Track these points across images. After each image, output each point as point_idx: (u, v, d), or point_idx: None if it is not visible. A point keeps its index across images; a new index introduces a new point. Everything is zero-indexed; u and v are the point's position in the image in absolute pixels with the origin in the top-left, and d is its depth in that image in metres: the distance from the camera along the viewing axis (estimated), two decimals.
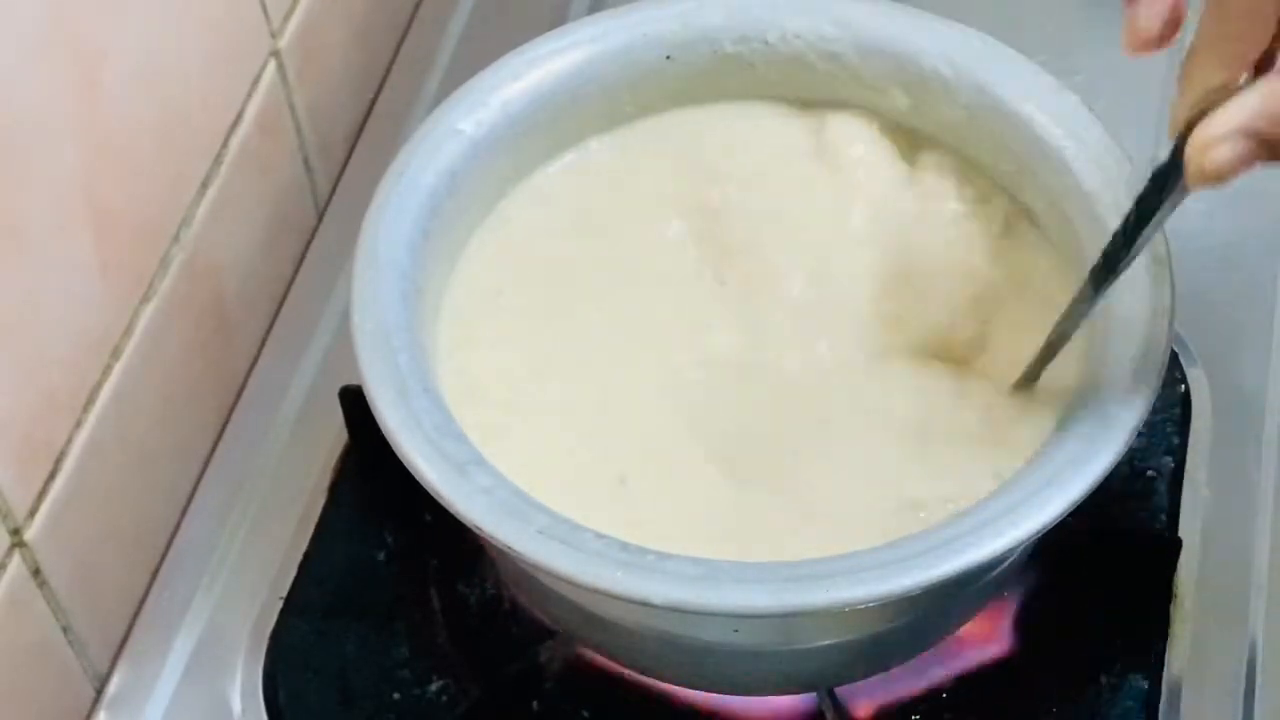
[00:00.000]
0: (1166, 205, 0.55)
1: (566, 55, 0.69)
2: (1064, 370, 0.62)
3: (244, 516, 0.74)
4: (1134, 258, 0.57)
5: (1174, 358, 0.74)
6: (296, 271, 0.82)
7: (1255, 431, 0.73)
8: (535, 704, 0.68)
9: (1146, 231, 0.56)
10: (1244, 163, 0.50)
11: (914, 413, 0.63)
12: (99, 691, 0.70)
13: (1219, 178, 0.50)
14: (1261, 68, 0.51)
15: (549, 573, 0.56)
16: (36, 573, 0.65)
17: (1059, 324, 0.61)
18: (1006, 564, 0.63)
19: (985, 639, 0.68)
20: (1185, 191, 0.53)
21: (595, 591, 0.55)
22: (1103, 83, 0.71)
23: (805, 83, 0.70)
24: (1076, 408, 0.59)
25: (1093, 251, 0.63)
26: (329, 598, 0.72)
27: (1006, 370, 0.63)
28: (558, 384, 0.65)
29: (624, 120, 0.71)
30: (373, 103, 0.88)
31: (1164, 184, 0.54)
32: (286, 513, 0.74)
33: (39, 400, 0.63)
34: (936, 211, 0.68)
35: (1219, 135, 0.50)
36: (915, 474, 0.61)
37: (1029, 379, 0.62)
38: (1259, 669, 0.67)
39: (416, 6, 0.91)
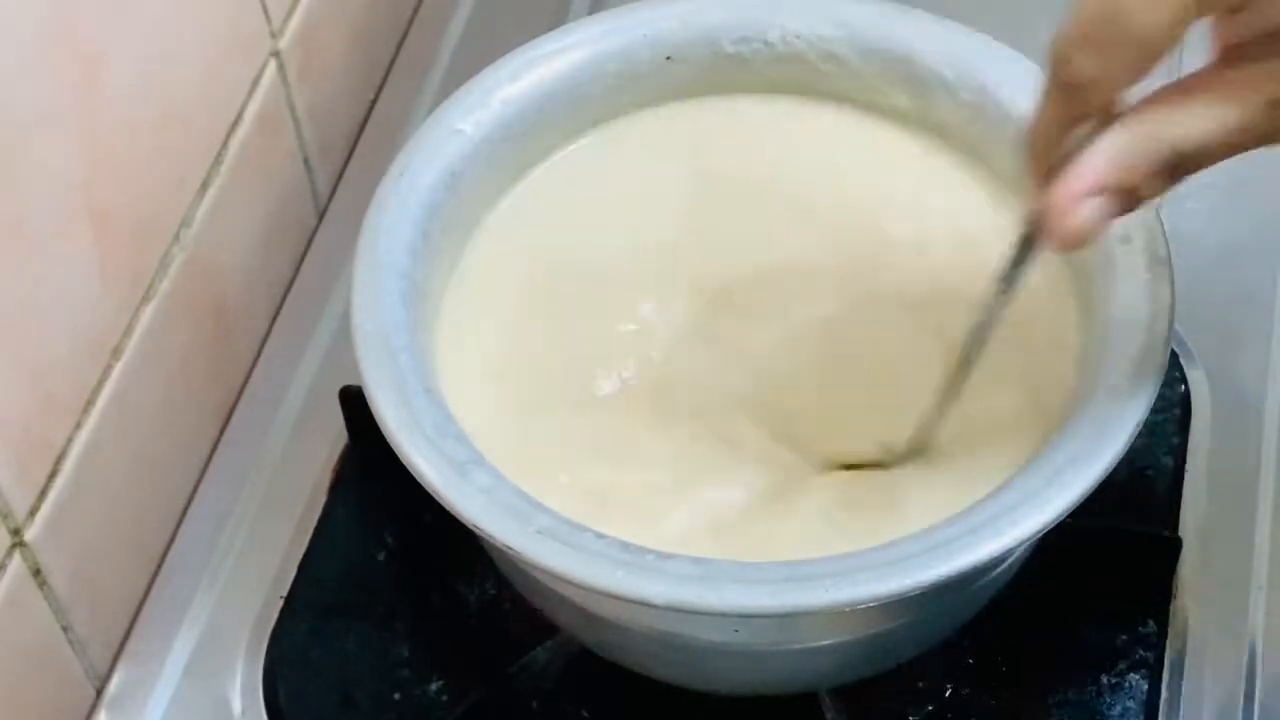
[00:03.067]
0: (1030, 264, 0.56)
1: (566, 55, 0.69)
2: (1064, 370, 0.62)
3: (244, 516, 0.74)
4: (994, 324, 0.58)
5: (1174, 358, 0.74)
6: (296, 271, 0.82)
7: (1255, 431, 0.73)
8: (535, 704, 0.68)
9: (1014, 289, 0.57)
10: (1102, 220, 0.51)
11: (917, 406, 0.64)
12: (99, 691, 0.70)
13: (1079, 241, 0.51)
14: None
15: (549, 573, 0.56)
16: (36, 573, 0.65)
17: (940, 398, 0.61)
18: (1006, 564, 0.63)
19: (985, 638, 0.68)
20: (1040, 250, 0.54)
21: (595, 591, 0.55)
22: None
23: (805, 83, 0.70)
24: (1076, 408, 0.59)
25: (1093, 252, 0.63)
26: (329, 598, 0.72)
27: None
28: (558, 383, 0.65)
29: (624, 120, 0.71)
30: (373, 103, 0.88)
31: (1027, 250, 0.55)
32: (286, 513, 0.74)
33: (39, 400, 0.63)
34: (936, 207, 0.68)
35: (1073, 198, 0.50)
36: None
37: (918, 444, 0.62)
38: (1259, 669, 0.67)
39: (416, 6, 0.91)
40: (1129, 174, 0.50)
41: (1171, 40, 0.48)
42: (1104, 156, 0.50)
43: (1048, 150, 0.52)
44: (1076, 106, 0.51)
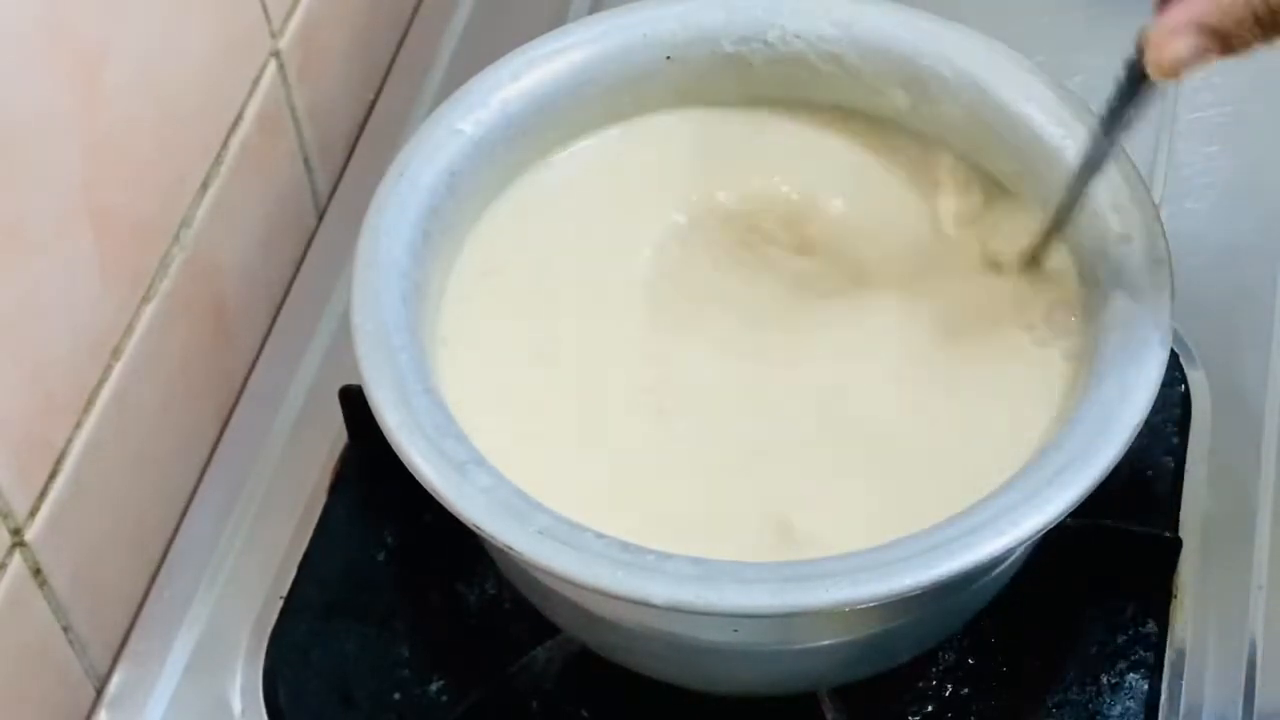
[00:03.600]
0: (1139, 98, 0.59)
1: (566, 55, 0.69)
2: (1064, 371, 0.63)
3: (244, 516, 0.74)
4: (1112, 149, 0.62)
5: (1174, 358, 0.74)
6: (296, 271, 0.82)
7: (1255, 431, 0.73)
8: (535, 704, 0.68)
9: (1122, 122, 0.60)
10: (1197, 56, 0.55)
11: (917, 405, 0.64)
12: (99, 691, 0.70)
13: (1174, 71, 0.55)
14: None
15: (549, 573, 0.56)
16: (37, 573, 0.65)
17: (1057, 211, 0.63)
18: (1007, 564, 0.63)
19: (985, 638, 0.68)
20: (1151, 85, 0.58)
21: (595, 591, 0.55)
22: (1103, 83, 0.71)
23: (805, 83, 0.70)
24: (1077, 408, 0.59)
25: (1094, 250, 0.63)
26: (329, 598, 0.72)
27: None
28: (557, 382, 0.65)
29: (624, 120, 0.71)
30: (373, 103, 0.88)
31: (1134, 76, 0.58)
32: (286, 513, 0.74)
33: (39, 400, 0.63)
34: (938, 207, 0.69)
35: (1170, 30, 0.54)
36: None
37: (1033, 260, 0.65)
38: (1259, 669, 0.67)
39: (416, 6, 0.91)
40: (1225, 17, 0.54)
41: None
42: None
43: None
44: None
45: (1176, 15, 0.54)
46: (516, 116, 0.68)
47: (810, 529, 0.61)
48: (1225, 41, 0.54)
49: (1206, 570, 0.70)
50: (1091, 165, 0.62)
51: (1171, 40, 0.54)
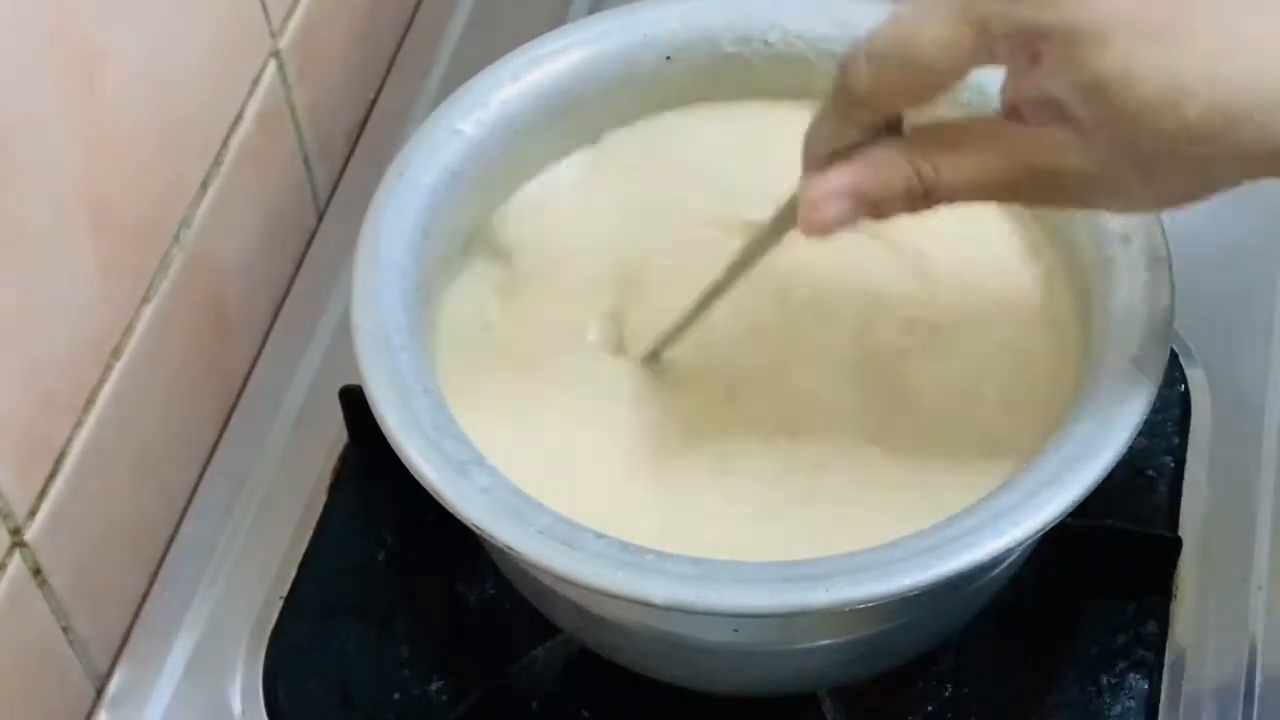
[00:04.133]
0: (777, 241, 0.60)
1: (566, 55, 0.69)
2: (1063, 370, 0.63)
3: (244, 516, 0.74)
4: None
5: (1174, 358, 0.74)
6: (296, 271, 0.82)
7: (1255, 431, 0.73)
8: (535, 704, 0.68)
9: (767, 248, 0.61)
10: (847, 220, 0.54)
11: (921, 410, 0.63)
12: (99, 691, 0.70)
13: (824, 232, 0.54)
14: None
15: (549, 573, 0.56)
16: (37, 573, 0.65)
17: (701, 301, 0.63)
18: (1006, 564, 0.63)
19: (986, 638, 0.68)
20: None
21: (595, 591, 0.55)
22: None
23: (805, 83, 0.70)
24: (1076, 408, 0.59)
25: (1093, 252, 0.63)
26: (329, 598, 0.72)
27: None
28: (558, 382, 0.65)
29: (624, 120, 0.71)
30: (373, 103, 0.88)
31: (782, 226, 0.59)
32: (286, 513, 0.74)
33: (39, 400, 0.63)
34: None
35: (825, 195, 0.54)
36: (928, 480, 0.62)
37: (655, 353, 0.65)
38: (1259, 669, 0.67)
39: (416, 6, 0.91)
40: (880, 189, 0.54)
41: (947, 76, 0.52)
42: (865, 166, 0.54)
43: (819, 145, 0.55)
44: (850, 113, 0.54)
45: (833, 181, 0.54)
46: (517, 116, 0.68)
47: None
48: (877, 210, 0.54)
49: (1206, 570, 0.70)
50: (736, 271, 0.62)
51: (826, 205, 0.54)
